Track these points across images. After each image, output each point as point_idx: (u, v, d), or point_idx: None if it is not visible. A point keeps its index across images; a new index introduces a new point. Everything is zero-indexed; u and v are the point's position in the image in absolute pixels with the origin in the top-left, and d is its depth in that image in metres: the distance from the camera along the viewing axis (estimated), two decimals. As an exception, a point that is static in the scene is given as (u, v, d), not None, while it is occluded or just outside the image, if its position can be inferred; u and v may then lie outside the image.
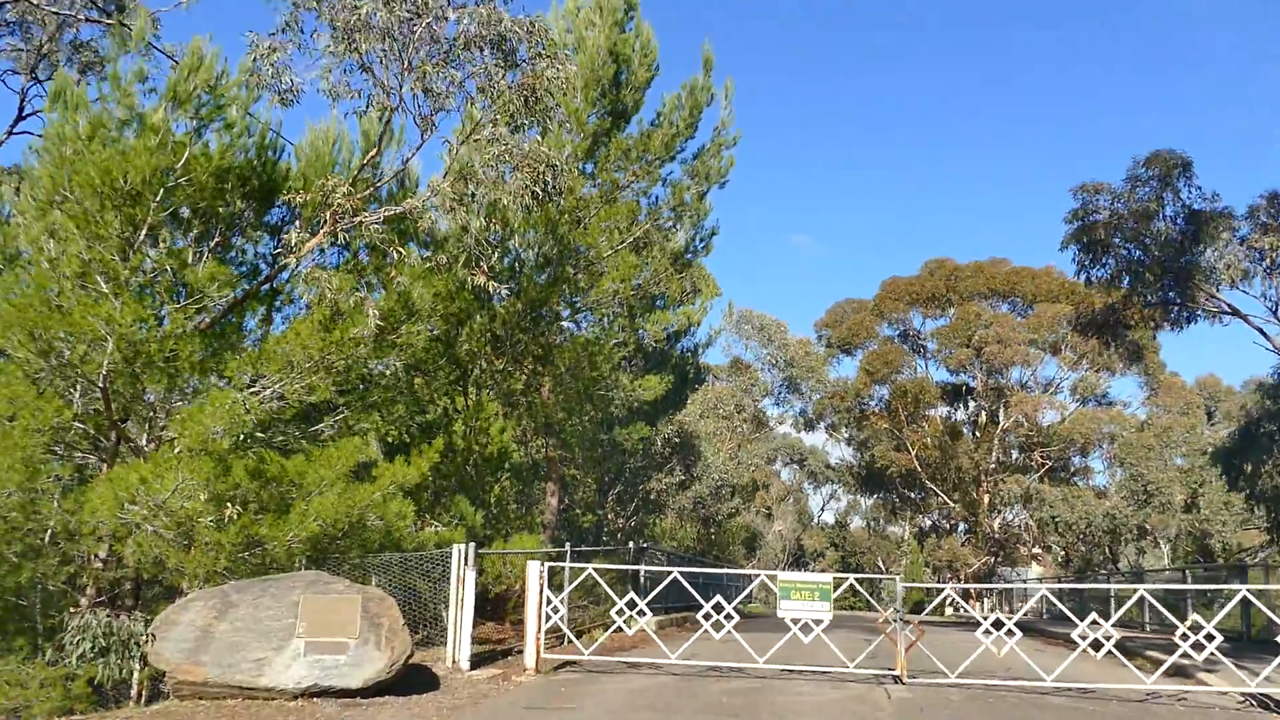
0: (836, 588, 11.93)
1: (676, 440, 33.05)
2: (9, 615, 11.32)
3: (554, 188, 12.39)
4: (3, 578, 10.86)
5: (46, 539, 11.60)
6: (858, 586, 27.38)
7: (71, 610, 9.47)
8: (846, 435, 62.90)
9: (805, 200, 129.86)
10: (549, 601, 11.82)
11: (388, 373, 14.50)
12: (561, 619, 11.97)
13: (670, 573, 13.22)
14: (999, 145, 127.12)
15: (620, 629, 12.43)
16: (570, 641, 12.45)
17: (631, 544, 17.84)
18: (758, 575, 13.01)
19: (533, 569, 11.81)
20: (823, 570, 64.93)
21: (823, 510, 74.27)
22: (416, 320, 13.31)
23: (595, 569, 12.56)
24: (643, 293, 18.56)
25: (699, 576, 13.78)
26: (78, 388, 12.45)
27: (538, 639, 11.68)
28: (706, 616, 11.69)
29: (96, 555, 12.24)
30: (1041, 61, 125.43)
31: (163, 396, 11.95)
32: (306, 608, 9.85)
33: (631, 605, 11.87)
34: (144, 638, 9.32)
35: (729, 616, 11.55)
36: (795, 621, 11.50)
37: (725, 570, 15.58)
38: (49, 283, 11.24)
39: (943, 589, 14.41)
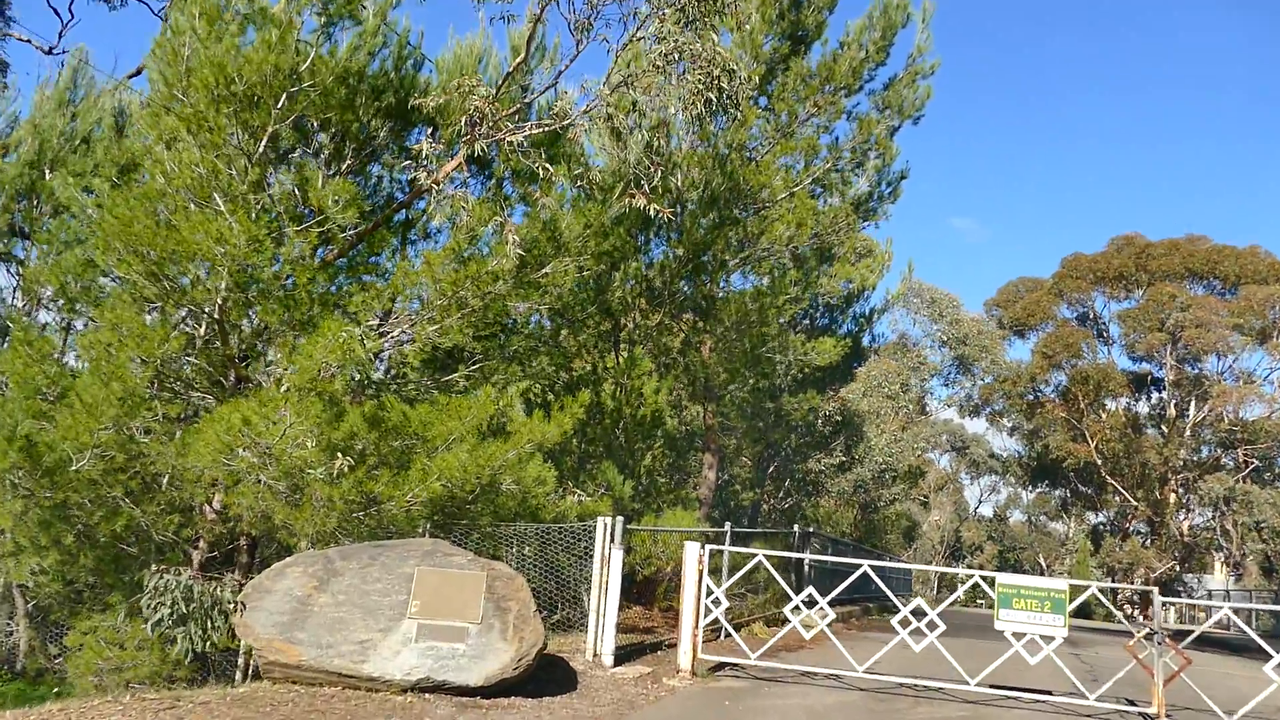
0: (1073, 598, 9.48)
1: (838, 418, 30.56)
2: (109, 565, 10.17)
3: (730, 98, 10.28)
4: (100, 522, 9.68)
5: (152, 483, 10.42)
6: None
7: (153, 568, 8.10)
8: (1010, 424, 58.59)
9: (967, 180, 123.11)
10: (709, 591, 9.85)
11: (530, 319, 12.78)
12: (723, 612, 9.98)
13: (859, 565, 11.01)
14: (1187, 117, 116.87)
15: (782, 625, 10.35)
16: (728, 636, 10.46)
17: (796, 527, 15.73)
18: (971, 575, 10.64)
19: (691, 552, 9.84)
20: (982, 566, 61.09)
21: (980, 502, 69.99)
22: (564, 255, 11.48)
23: (764, 555, 10.52)
24: (819, 243, 16.26)
25: (885, 571, 11.66)
26: (192, 318, 11.24)
27: (694, 636, 9.73)
28: (904, 623, 9.47)
29: (209, 506, 11.03)
30: (1239, 23, 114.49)
31: (279, 330, 10.54)
32: (422, 583, 8.19)
33: (810, 602, 9.79)
34: (231, 605, 7.85)
35: (932, 625, 9.30)
36: (1018, 637, 9.15)
37: (915, 566, 13.19)
38: (159, 197, 9.94)
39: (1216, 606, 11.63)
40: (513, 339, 12.59)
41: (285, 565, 8.23)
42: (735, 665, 10.26)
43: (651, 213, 10.18)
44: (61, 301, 10.82)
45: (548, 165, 10.44)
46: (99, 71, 13.77)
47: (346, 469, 8.88)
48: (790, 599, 10.36)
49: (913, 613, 9.56)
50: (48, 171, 11.79)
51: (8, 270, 11.78)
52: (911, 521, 52.75)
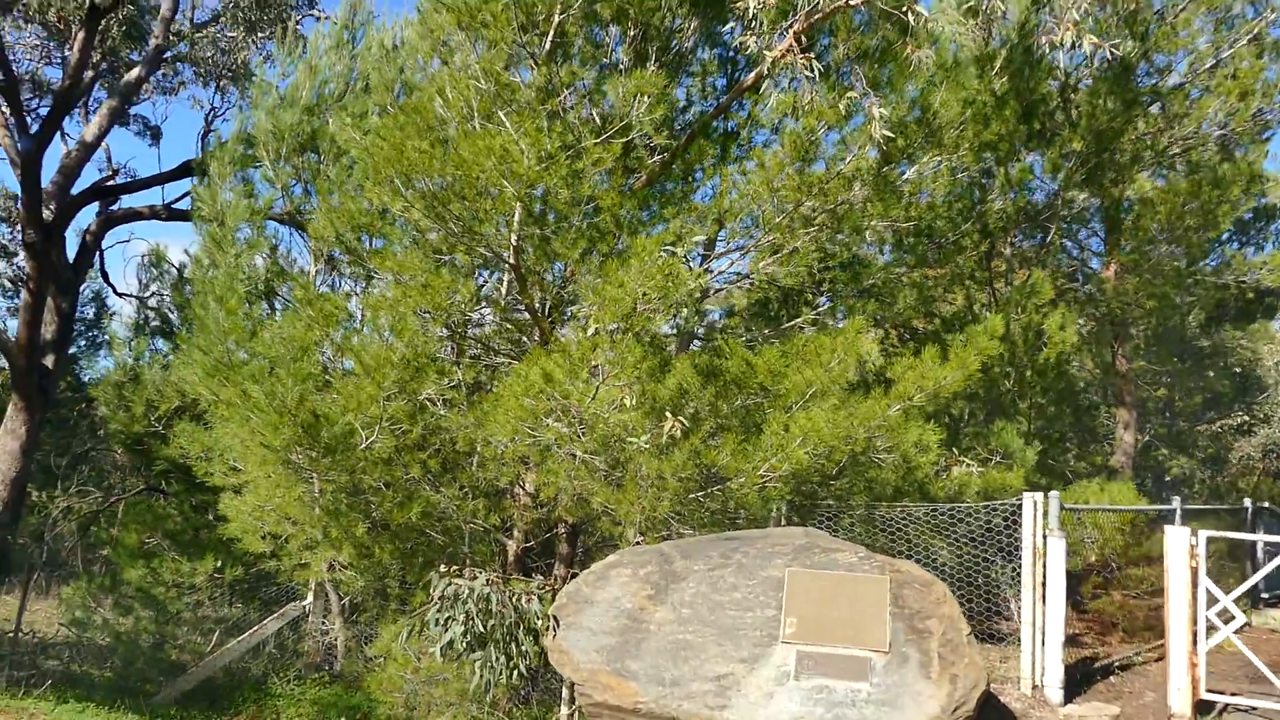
0: None
1: (1237, 370, 24.99)
2: (412, 560, 8.61)
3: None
4: (395, 509, 8.08)
5: (453, 462, 8.77)
6: None
7: (440, 570, 6.19)
8: None
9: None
10: (1210, 600, 6.64)
11: (884, 244, 9.99)
12: (1235, 629, 6.72)
13: None
14: None
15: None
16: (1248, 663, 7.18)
17: (1248, 502, 11.86)
18: None
19: (1176, 542, 6.67)
20: None
21: None
22: (935, 149, 8.59)
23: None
24: (1257, 125, 12.11)
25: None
26: (484, 265, 9.52)
27: (1192, 665, 6.56)
28: None
29: (519, 487, 9.28)
30: None
31: (581, 271, 8.50)
32: (796, 591, 5.72)
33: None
34: (541, 620, 5.79)
35: None
36: None
37: None
38: (430, 114, 8.18)
39: None
40: (866, 269, 9.86)
41: (609, 566, 6.05)
42: (1246, 706, 6.94)
43: (1088, 44, 6.97)
44: (343, 255, 9.45)
45: (914, 9, 7.56)
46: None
47: (679, 433, 6.59)
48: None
49: None
50: (330, 121, 10.57)
51: (295, 232, 10.72)
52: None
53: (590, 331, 6.72)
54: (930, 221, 9.95)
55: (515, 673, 5.67)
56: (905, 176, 8.90)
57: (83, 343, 21.32)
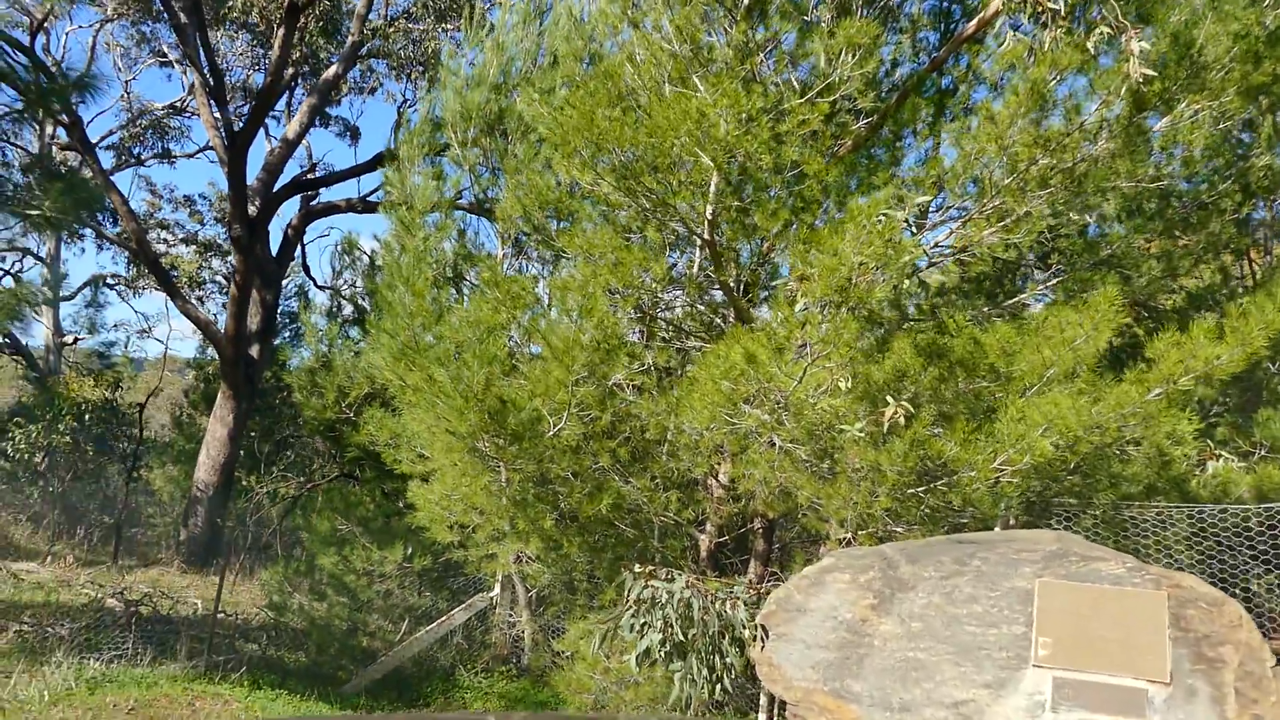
0: None
1: None
2: (600, 554, 8.16)
3: None
4: (584, 500, 7.63)
5: (644, 451, 8.26)
6: None
7: (634, 570, 5.61)
8: None
9: None
10: None
11: (1128, 202, 8.76)
12: None
13: None
14: None
15: None
16: None
17: None
18: None
19: None
20: None
21: None
22: (1195, 91, 7.37)
23: None
24: None
25: None
26: (679, 243, 8.96)
27: None
28: None
29: (713, 479, 8.69)
30: None
31: (781, 246, 7.80)
32: (1049, 605, 4.83)
33: None
34: (746, 629, 5.14)
35: None
36: None
37: None
38: (621, 78, 7.66)
39: None
40: (1104, 237, 8.70)
41: (823, 570, 5.32)
42: None
43: None
44: (530, 236, 9.09)
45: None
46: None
47: (901, 420, 5.78)
48: None
49: None
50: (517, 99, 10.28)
51: (481, 219, 10.48)
52: None
53: (799, 307, 5.99)
54: (1183, 179, 8.66)
55: (718, 686, 5.06)
56: (1156, 128, 7.73)
57: (287, 334, 22.26)
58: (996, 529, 7.05)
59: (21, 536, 16.33)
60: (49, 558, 14.31)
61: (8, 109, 9.19)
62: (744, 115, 7.06)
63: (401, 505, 10.71)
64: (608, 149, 7.47)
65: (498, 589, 10.35)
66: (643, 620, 5.07)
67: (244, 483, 17.29)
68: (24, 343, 28.08)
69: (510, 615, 10.26)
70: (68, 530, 17.47)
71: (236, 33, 26.03)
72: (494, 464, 7.48)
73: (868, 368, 6.23)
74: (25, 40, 15.29)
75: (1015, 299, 8.79)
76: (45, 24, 16.96)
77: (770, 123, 7.35)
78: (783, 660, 5.00)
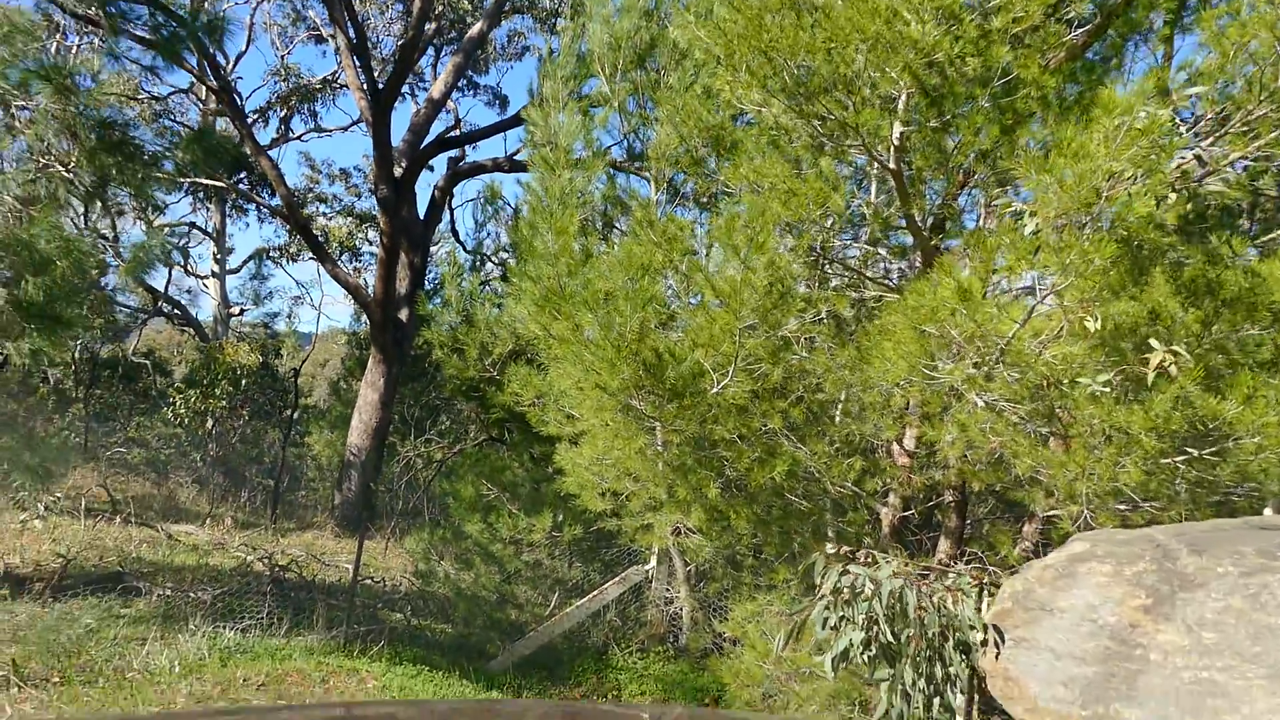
0: None
1: None
2: (770, 528, 7.17)
3: None
4: (753, 467, 6.65)
5: (820, 411, 7.22)
6: None
7: (826, 550, 4.58)
8: None
9: None
10: None
11: None
12: None
13: None
14: None
15: None
16: None
17: None
18: None
19: None
20: None
21: None
22: None
23: None
24: None
25: None
26: (857, 175, 7.84)
27: None
28: None
29: (898, 445, 7.59)
30: None
31: (983, 155, 6.54)
32: (1405, 616, 3.56)
33: None
34: (974, 632, 4.05)
35: None
36: None
37: None
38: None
39: None
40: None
41: (1074, 559, 4.15)
42: None
43: None
44: (687, 175, 8.11)
45: None
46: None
47: (1173, 370, 4.55)
48: None
49: None
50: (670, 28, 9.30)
51: (629, 165, 9.58)
52: None
53: (1028, 230, 4.80)
54: None
55: (938, 701, 4.00)
56: None
57: (438, 300, 22.08)
58: (1268, 511, 5.72)
59: (187, 499, 16.61)
60: (208, 520, 14.38)
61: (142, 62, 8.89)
62: (943, 11, 5.89)
63: (549, 470, 10.01)
64: (778, 61, 6.39)
65: (653, 562, 9.53)
66: (839, 614, 4.08)
67: (397, 448, 17.12)
68: (194, 314, 29.14)
69: (667, 590, 9.43)
70: (231, 493, 17.74)
71: (386, 6, 26.01)
72: (650, 425, 6.59)
73: (1116, 305, 4.98)
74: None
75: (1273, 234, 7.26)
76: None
77: (976, 21, 6.13)
78: (1024, 673, 3.91)
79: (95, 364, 20.06)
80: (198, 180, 16.31)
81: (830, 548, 4.60)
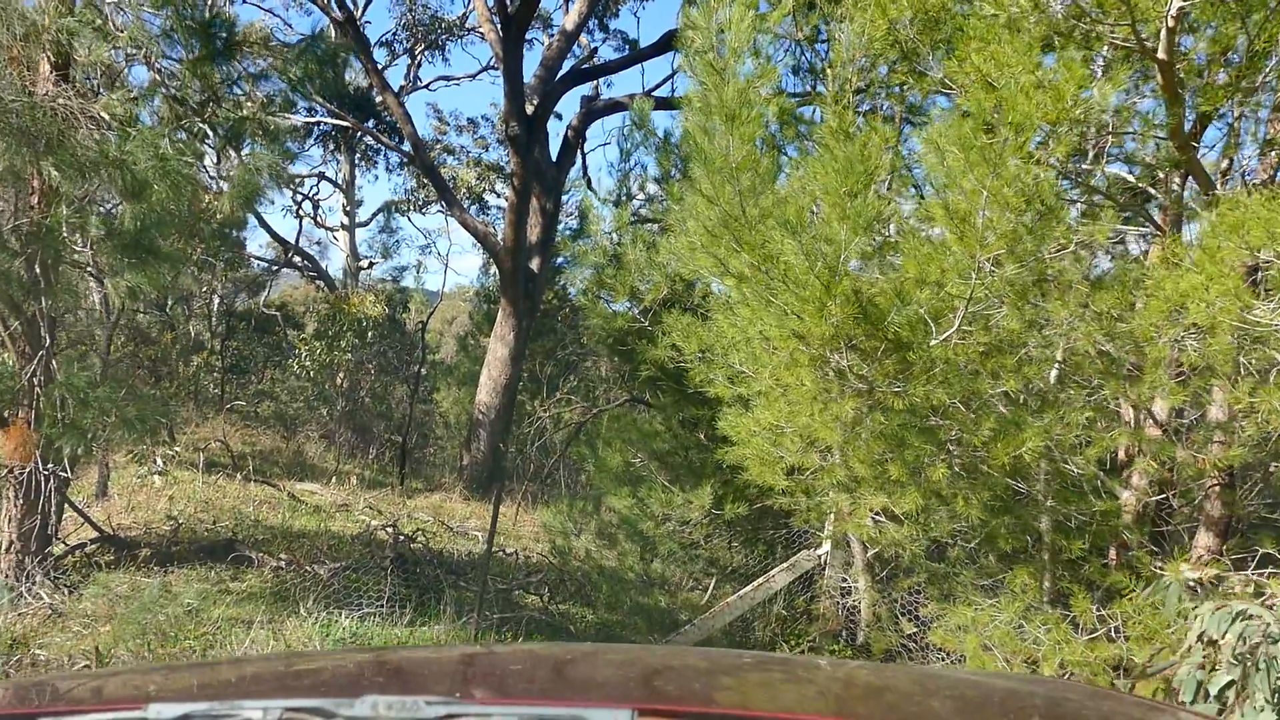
0: None
1: None
2: (1003, 519, 5.70)
3: None
4: (991, 442, 5.19)
5: (1067, 375, 5.71)
6: None
7: (1179, 574, 3.11)
8: None
9: None
10: None
11: None
12: None
13: None
14: None
15: None
16: None
17: None
18: None
19: None
20: None
21: None
22: None
23: None
24: None
25: None
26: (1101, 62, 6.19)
27: None
28: None
29: (1149, 414, 6.06)
30: None
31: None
32: None
33: None
34: None
35: None
36: None
37: None
38: None
39: None
40: None
41: None
42: None
43: None
44: (896, 67, 6.59)
45: None
46: None
47: None
48: None
49: None
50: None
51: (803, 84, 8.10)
52: None
53: None
54: None
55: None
56: None
57: (584, 240, 21.00)
58: None
59: (314, 454, 16.06)
60: (334, 478, 13.69)
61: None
62: None
63: (701, 438, 8.70)
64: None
65: (827, 546, 8.16)
66: (1228, 678, 2.66)
67: (527, 407, 16.15)
68: (324, 266, 28.97)
69: (843, 580, 8.05)
70: (360, 450, 17.16)
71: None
72: (855, 386, 5.18)
73: None
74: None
75: None
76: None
77: None
78: None
79: (230, 315, 19.82)
80: (313, 98, 15.47)
81: (1185, 568, 3.16)
